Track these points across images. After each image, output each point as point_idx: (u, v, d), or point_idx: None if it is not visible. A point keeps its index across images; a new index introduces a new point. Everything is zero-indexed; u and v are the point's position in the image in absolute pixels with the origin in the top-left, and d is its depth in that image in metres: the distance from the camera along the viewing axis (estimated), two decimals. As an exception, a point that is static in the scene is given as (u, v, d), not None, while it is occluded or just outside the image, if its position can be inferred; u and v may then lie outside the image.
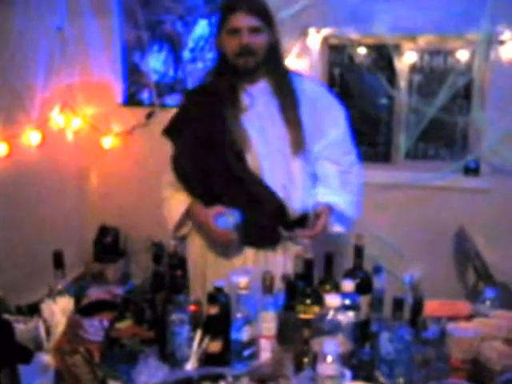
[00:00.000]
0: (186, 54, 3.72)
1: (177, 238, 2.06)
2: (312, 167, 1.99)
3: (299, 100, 1.95)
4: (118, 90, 3.83)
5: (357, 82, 3.65)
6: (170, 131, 2.06)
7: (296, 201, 1.95)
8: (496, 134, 3.25)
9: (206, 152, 1.94)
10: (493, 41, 3.17)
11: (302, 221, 1.98)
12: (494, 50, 3.20)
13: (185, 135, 2.01)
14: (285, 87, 1.94)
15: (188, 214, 2.02)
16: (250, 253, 1.98)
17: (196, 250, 2.05)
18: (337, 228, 2.01)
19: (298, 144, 1.93)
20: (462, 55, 3.40)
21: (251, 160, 1.92)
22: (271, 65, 1.94)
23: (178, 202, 2.03)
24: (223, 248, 1.98)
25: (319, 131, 1.98)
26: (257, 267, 1.88)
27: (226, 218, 1.87)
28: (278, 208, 1.94)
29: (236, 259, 1.98)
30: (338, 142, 2.01)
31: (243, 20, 1.84)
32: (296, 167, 1.95)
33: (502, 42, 3.18)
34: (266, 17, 1.89)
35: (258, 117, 1.94)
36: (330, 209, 1.95)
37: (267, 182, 1.92)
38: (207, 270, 2.02)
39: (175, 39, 3.70)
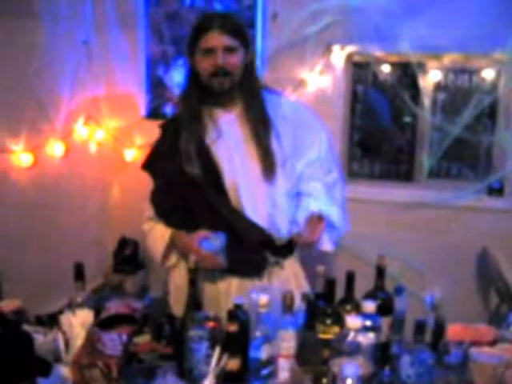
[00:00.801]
0: (210, 69, 3.74)
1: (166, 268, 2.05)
2: (295, 188, 1.94)
3: (276, 121, 1.89)
4: (141, 102, 3.86)
5: (380, 100, 3.64)
6: (146, 165, 2.01)
7: (282, 226, 1.91)
8: (521, 155, 3.21)
9: (183, 188, 1.89)
10: (519, 60, 3.14)
11: (289, 245, 1.96)
12: (520, 70, 3.17)
13: (160, 170, 1.96)
14: (256, 112, 1.87)
15: (172, 243, 1.97)
16: (234, 281, 1.94)
17: (181, 275, 1.95)
18: (325, 245, 1.91)
19: (267, 171, 1.86)
20: (488, 74, 3.37)
21: (231, 192, 1.88)
22: (246, 86, 1.87)
23: (160, 232, 1.98)
24: (208, 275, 1.93)
25: (300, 151, 1.92)
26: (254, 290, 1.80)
27: (211, 241, 1.83)
28: (263, 239, 1.90)
29: (221, 286, 1.94)
30: (319, 161, 1.95)
31: (217, 39, 1.78)
32: (279, 192, 1.90)
33: (528, 62, 3.15)
34: (241, 35, 1.83)
35: (230, 147, 1.89)
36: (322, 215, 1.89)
37: (250, 212, 1.87)
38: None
39: (199, 54, 3.72)
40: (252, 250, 1.90)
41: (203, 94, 1.87)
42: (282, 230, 1.91)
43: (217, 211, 1.87)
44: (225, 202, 1.88)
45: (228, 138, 1.89)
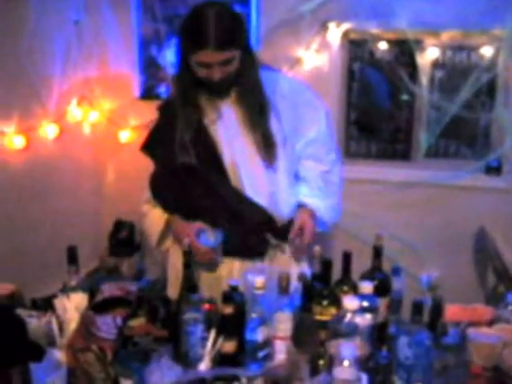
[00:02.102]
0: (204, 48, 3.69)
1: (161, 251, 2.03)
2: (295, 166, 1.94)
3: (271, 103, 1.84)
4: (135, 83, 3.81)
5: (377, 78, 3.59)
6: (146, 148, 1.98)
7: (284, 206, 1.91)
8: (519, 133, 3.18)
9: (181, 173, 1.86)
10: (518, 37, 3.10)
11: (290, 227, 1.92)
12: (518, 47, 3.13)
13: (158, 151, 1.93)
14: (253, 97, 1.82)
15: (168, 228, 1.96)
16: (236, 263, 1.92)
17: (179, 256, 1.88)
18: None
19: (267, 154, 1.84)
20: (486, 51, 3.32)
21: (231, 172, 1.86)
22: (243, 74, 1.79)
23: (156, 216, 1.97)
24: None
25: (300, 129, 1.90)
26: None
27: (208, 237, 1.81)
28: (263, 219, 1.89)
29: (222, 269, 1.93)
30: (319, 140, 1.93)
31: (213, 57, 1.68)
32: (279, 172, 1.88)
33: (527, 39, 3.10)
34: (236, 42, 1.72)
35: (229, 130, 1.85)
36: (312, 211, 1.92)
37: (251, 193, 1.86)
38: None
39: (193, 33, 3.67)
40: (253, 231, 1.89)
41: (198, 80, 1.80)
42: (282, 209, 1.91)
43: (216, 193, 1.86)
44: (224, 182, 1.86)
45: (227, 120, 1.86)
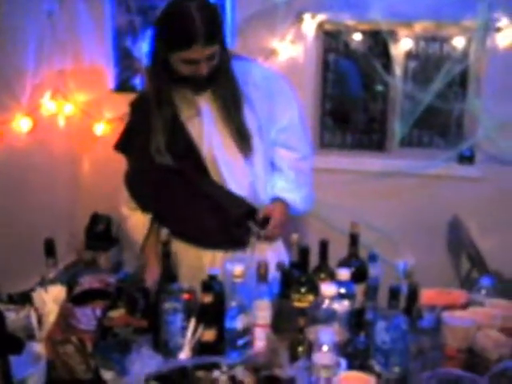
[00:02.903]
0: (179, 40, 3.66)
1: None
2: (271, 154, 1.95)
3: (248, 89, 1.83)
4: (109, 75, 3.78)
5: (352, 69, 3.62)
6: (119, 146, 1.96)
7: (263, 194, 1.93)
8: (491, 122, 3.24)
9: (161, 169, 1.84)
10: (489, 28, 3.15)
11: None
12: (490, 37, 3.18)
13: (135, 150, 1.91)
14: (225, 90, 1.81)
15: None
16: (218, 255, 1.92)
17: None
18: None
19: (243, 146, 1.85)
20: (458, 42, 3.38)
21: (210, 166, 1.85)
22: (218, 69, 1.77)
23: (139, 223, 1.97)
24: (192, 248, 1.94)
25: (273, 117, 1.91)
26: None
27: None
28: (246, 210, 1.90)
29: (204, 259, 1.93)
30: (291, 128, 1.94)
31: (201, 53, 1.66)
32: (257, 161, 1.89)
33: (498, 29, 3.16)
34: (220, 35, 1.72)
35: (207, 125, 1.84)
36: (286, 204, 1.95)
37: (232, 186, 1.87)
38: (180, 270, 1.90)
39: (168, 24, 3.64)
40: (236, 223, 1.89)
41: (173, 75, 1.77)
42: (261, 198, 1.92)
43: (197, 189, 1.86)
44: (204, 177, 1.86)
45: (205, 115, 1.84)
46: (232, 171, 1.87)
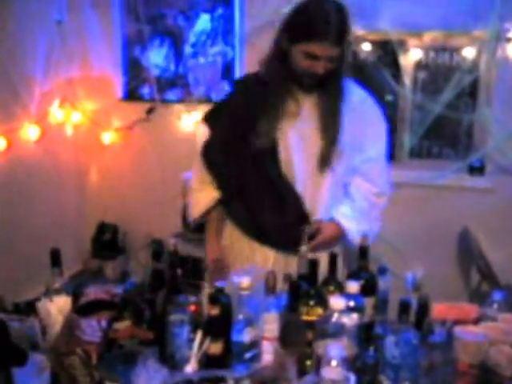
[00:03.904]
0: (188, 49, 3.68)
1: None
2: (346, 179, 1.93)
3: (343, 109, 1.84)
4: (118, 84, 3.79)
5: (361, 79, 3.59)
6: (209, 118, 1.98)
7: (321, 211, 1.92)
8: (502, 133, 3.22)
9: (241, 145, 1.87)
10: (500, 38, 3.13)
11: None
12: (500, 48, 3.16)
13: (223, 123, 1.93)
14: (333, 96, 1.82)
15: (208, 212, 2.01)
16: (270, 253, 1.94)
17: (226, 236, 2.03)
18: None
19: (325, 162, 1.85)
20: (468, 52, 3.36)
21: (285, 165, 1.87)
22: (331, 78, 1.80)
23: (199, 201, 2.01)
24: (247, 245, 1.97)
25: (360, 144, 1.89)
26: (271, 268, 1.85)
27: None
28: (302, 215, 1.90)
29: (257, 257, 1.95)
30: (377, 160, 1.93)
31: (325, 51, 1.69)
32: (327, 180, 1.89)
33: (508, 40, 3.14)
34: (346, 41, 1.74)
35: (302, 124, 1.86)
36: (341, 230, 1.92)
37: (296, 188, 1.88)
38: (232, 261, 2.00)
39: (176, 34, 3.66)
40: (290, 225, 1.88)
41: (290, 72, 1.80)
42: (320, 214, 1.91)
43: (268, 178, 1.87)
44: (278, 170, 1.87)
45: (306, 115, 1.85)
46: (303, 178, 1.87)
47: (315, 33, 1.68)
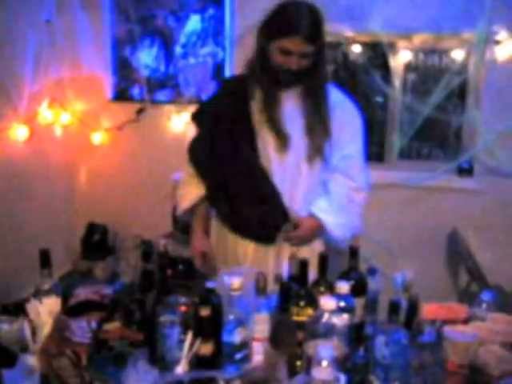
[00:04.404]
0: (178, 50, 3.67)
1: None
2: (325, 176, 1.99)
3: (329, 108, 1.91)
4: (108, 85, 3.78)
5: (351, 80, 3.62)
6: (195, 116, 2.07)
7: (300, 204, 1.97)
8: (490, 134, 3.24)
9: (224, 141, 1.95)
10: (489, 40, 3.15)
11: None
12: (489, 50, 3.19)
13: (207, 120, 2.01)
14: (318, 94, 1.90)
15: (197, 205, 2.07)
16: (251, 245, 1.99)
17: (212, 230, 2.10)
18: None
19: (318, 152, 1.91)
20: (458, 54, 3.38)
21: (264, 158, 1.93)
22: (310, 75, 1.87)
23: (186, 193, 2.08)
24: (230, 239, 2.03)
25: (338, 142, 1.95)
26: (253, 265, 1.90)
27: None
28: (281, 208, 1.95)
29: (238, 249, 2.01)
30: (355, 157, 1.99)
31: (298, 46, 1.77)
32: (306, 174, 1.95)
33: (497, 42, 3.17)
34: (320, 39, 1.81)
35: (283, 120, 1.91)
36: (320, 225, 1.97)
37: (277, 182, 1.93)
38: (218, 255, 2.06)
39: (167, 34, 3.65)
40: (269, 218, 1.95)
41: (267, 71, 1.87)
42: (298, 207, 1.97)
43: (248, 172, 1.93)
44: (258, 164, 1.92)
45: (286, 110, 1.91)
46: (282, 173, 1.93)
47: (287, 28, 1.77)
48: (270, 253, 1.98)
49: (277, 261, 1.97)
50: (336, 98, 1.97)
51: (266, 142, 1.92)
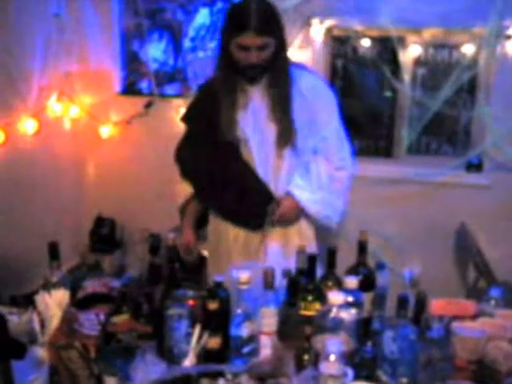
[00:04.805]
0: (187, 43, 3.66)
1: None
2: (304, 160, 2.04)
3: (292, 95, 1.97)
4: (116, 78, 3.78)
5: (360, 75, 3.61)
6: (185, 117, 2.16)
7: (282, 187, 2.04)
8: (500, 130, 3.21)
9: (205, 141, 2.04)
10: (500, 35, 3.12)
11: None
12: (500, 45, 3.16)
13: (192, 120, 2.12)
14: (280, 84, 1.96)
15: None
16: (241, 232, 2.07)
17: (210, 222, 2.19)
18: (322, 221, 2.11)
19: (285, 139, 1.98)
20: (468, 49, 3.35)
21: (246, 153, 2.01)
22: (274, 65, 1.94)
23: (183, 189, 2.15)
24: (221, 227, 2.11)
25: (314, 125, 2.01)
26: (243, 250, 2.05)
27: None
28: (266, 197, 2.02)
29: (229, 235, 2.09)
30: (332, 137, 2.05)
31: (252, 40, 1.84)
32: (286, 160, 2.02)
33: (508, 37, 3.14)
34: (274, 30, 1.88)
35: (253, 113, 1.99)
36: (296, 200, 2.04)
37: (259, 173, 2.01)
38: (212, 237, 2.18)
39: (176, 28, 3.65)
40: (255, 208, 2.02)
41: (234, 68, 1.95)
42: (281, 191, 2.04)
43: (231, 169, 2.02)
44: (240, 159, 2.01)
45: (256, 104, 1.99)
46: (264, 163, 2.01)
47: (238, 26, 1.85)
48: (259, 237, 2.05)
49: (264, 245, 2.05)
50: (308, 81, 2.02)
51: (245, 135, 2.00)
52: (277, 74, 1.95)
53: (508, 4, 3.01)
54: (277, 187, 2.04)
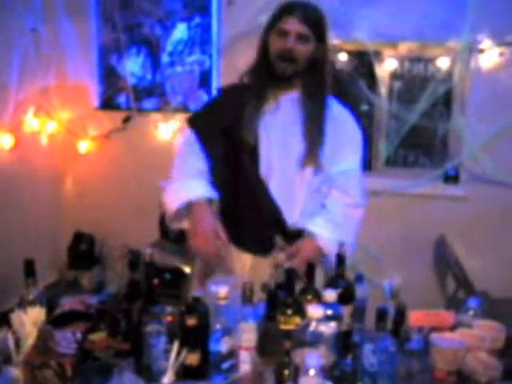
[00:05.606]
0: (165, 58, 3.67)
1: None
2: (322, 188, 1.96)
3: (327, 116, 1.91)
4: (94, 93, 3.76)
5: (337, 88, 3.63)
6: (193, 120, 2.05)
7: (295, 214, 1.94)
8: (476, 142, 3.26)
9: (222, 143, 1.95)
10: (473, 49, 3.18)
11: (299, 235, 1.94)
12: (474, 59, 3.22)
13: (206, 126, 2.00)
14: (316, 100, 1.90)
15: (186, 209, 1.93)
16: (247, 257, 1.96)
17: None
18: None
19: (311, 157, 1.89)
20: (443, 63, 3.41)
21: (263, 166, 1.91)
22: (310, 77, 1.90)
23: (184, 188, 1.94)
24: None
25: (337, 155, 1.94)
26: (250, 275, 1.87)
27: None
28: (276, 219, 1.92)
29: (235, 264, 1.96)
30: (352, 173, 1.98)
31: (293, 25, 1.83)
32: (304, 183, 1.93)
33: (481, 51, 3.20)
34: (316, 28, 1.86)
35: (280, 125, 1.92)
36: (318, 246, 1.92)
37: (273, 191, 1.91)
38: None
39: (153, 42, 3.65)
40: (264, 229, 1.92)
41: (269, 73, 1.91)
42: (294, 216, 1.93)
43: (246, 180, 1.92)
44: (255, 171, 1.91)
45: (282, 116, 1.92)
46: (281, 177, 1.91)
47: (284, 10, 1.86)
48: (267, 263, 1.88)
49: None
50: (337, 111, 1.97)
51: (269, 142, 1.91)
52: (313, 83, 1.90)
53: (480, 19, 3.08)
54: (291, 211, 1.93)
